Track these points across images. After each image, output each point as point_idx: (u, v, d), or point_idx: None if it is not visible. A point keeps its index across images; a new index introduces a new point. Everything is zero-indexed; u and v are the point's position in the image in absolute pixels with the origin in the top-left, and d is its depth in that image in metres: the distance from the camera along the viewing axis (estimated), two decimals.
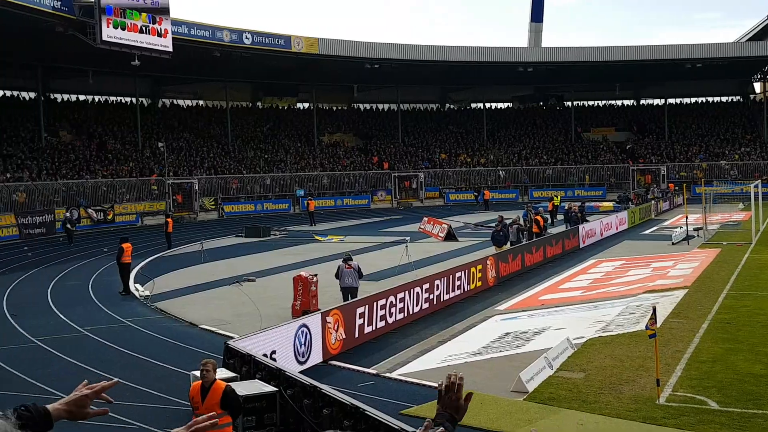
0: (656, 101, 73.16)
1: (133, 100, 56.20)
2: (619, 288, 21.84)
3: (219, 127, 60.11)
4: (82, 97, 57.19)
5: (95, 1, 39.16)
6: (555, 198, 45.07)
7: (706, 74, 62.38)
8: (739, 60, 60.19)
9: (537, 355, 13.59)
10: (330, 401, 9.41)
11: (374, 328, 16.35)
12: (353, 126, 67.99)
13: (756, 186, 35.30)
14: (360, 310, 15.99)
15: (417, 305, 18.26)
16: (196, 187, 49.44)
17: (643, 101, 74.52)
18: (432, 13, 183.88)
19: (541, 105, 73.60)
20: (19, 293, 23.04)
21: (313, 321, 14.39)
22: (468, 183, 61.21)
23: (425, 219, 36.58)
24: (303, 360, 13.82)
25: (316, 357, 14.23)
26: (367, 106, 71.51)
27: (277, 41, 50.87)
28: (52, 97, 54.84)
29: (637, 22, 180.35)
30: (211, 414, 2.74)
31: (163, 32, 42.78)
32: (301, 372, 12.00)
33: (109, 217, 43.82)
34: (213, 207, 50.72)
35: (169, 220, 33.88)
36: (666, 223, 39.96)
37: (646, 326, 11.95)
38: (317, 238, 35.62)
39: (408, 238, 27.23)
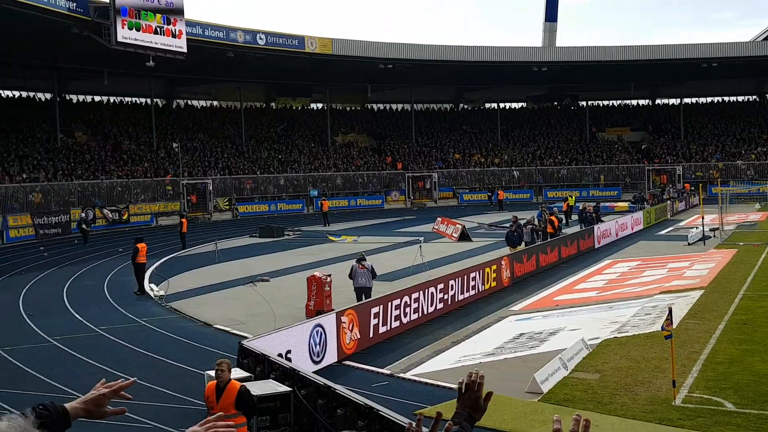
0: (672, 101, 72.72)
1: (148, 100, 56.45)
2: (634, 289, 21.72)
3: (233, 127, 60.29)
4: (97, 98, 57.50)
5: (110, 2, 39.37)
6: (570, 198, 44.90)
7: (723, 74, 61.91)
8: (755, 59, 59.69)
9: (552, 356, 13.53)
10: (344, 401, 9.40)
11: (389, 328, 16.34)
12: (367, 126, 67.99)
13: None
14: (374, 310, 15.99)
15: (431, 305, 18.23)
16: (211, 188, 49.60)
17: (658, 101, 74.09)
18: (446, 13, 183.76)
19: (556, 105, 73.31)
20: (35, 293, 23.20)
21: (328, 321, 14.41)
22: (482, 183, 61.06)
23: (439, 219, 36.50)
24: (318, 360, 13.84)
25: (330, 357, 14.24)
26: (381, 106, 71.48)
27: (291, 42, 50.94)
28: (67, 98, 55.18)
29: (652, 21, 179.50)
30: (219, 414, 2.74)
31: (177, 33, 42.94)
32: (315, 372, 12.00)
33: (124, 218, 44.04)
34: (227, 207, 50.86)
35: (184, 220, 34.01)
36: (682, 224, 39.72)
37: (662, 327, 11.87)
38: (331, 238, 35.64)
39: (422, 239, 27.19)
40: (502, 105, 71.13)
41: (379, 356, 14.98)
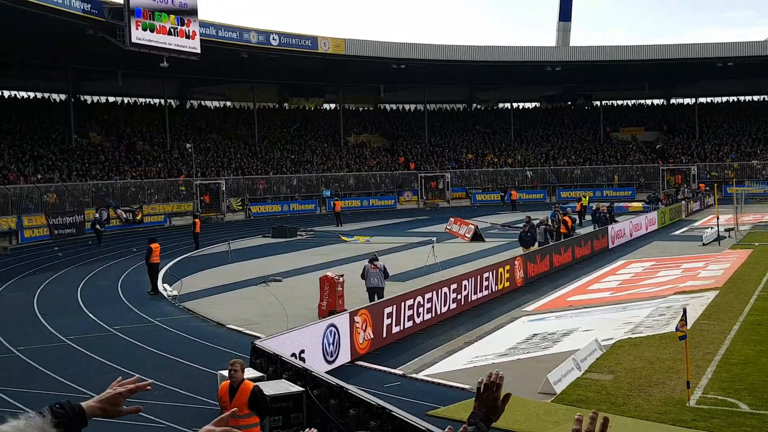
0: (687, 100, 72.29)
1: (162, 101, 56.71)
2: (648, 289, 21.60)
3: (246, 128, 60.45)
4: (111, 99, 57.82)
5: (124, 3, 39.58)
6: (583, 198, 44.72)
7: (738, 73, 61.48)
8: None
9: (565, 357, 13.47)
10: (356, 402, 9.38)
11: (402, 328, 16.34)
12: (380, 126, 68.00)
13: None
14: (388, 310, 16.00)
15: (444, 305, 18.21)
16: (224, 188, 49.75)
17: (673, 100, 73.68)
18: (459, 13, 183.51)
19: (570, 104, 73.03)
20: (50, 293, 23.33)
21: (342, 321, 14.43)
22: (495, 183, 60.91)
23: (452, 219, 36.45)
24: (331, 359, 13.87)
25: (344, 356, 14.27)
26: (394, 106, 71.48)
27: (304, 42, 51.04)
28: (82, 99, 55.50)
29: (666, 20, 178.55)
30: (233, 410, 2.73)
31: (191, 34, 43.11)
32: (327, 372, 12.00)
33: (138, 218, 44.23)
34: (240, 207, 50.98)
35: (197, 220, 34.11)
36: (696, 224, 39.47)
37: (677, 328, 11.80)
38: (343, 238, 35.66)
39: (434, 239, 27.14)
40: (515, 105, 70.94)
41: (392, 356, 14.98)
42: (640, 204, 47.71)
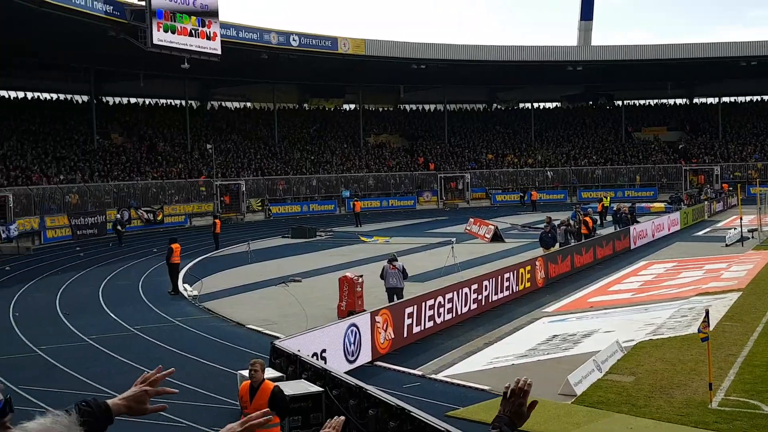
0: (710, 100, 71.62)
1: (183, 102, 57.03)
2: (670, 290, 21.42)
3: (266, 128, 60.66)
4: (133, 100, 58.23)
5: (146, 5, 39.85)
6: (605, 199, 44.40)
7: (762, 72, 60.72)
8: None
9: (585, 358, 13.38)
10: (376, 402, 9.37)
11: (422, 328, 16.34)
12: (399, 127, 67.98)
13: None
14: (409, 310, 16.01)
15: (465, 306, 18.18)
16: (244, 189, 49.97)
17: (696, 100, 72.99)
18: (480, 13, 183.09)
19: (591, 104, 72.57)
20: (72, 293, 23.53)
21: (363, 320, 14.46)
22: (515, 184, 60.67)
23: (471, 220, 36.35)
24: (352, 359, 13.91)
25: (365, 356, 14.30)
26: (414, 106, 71.42)
27: (324, 43, 51.13)
28: (104, 100, 55.94)
29: (689, 19, 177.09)
30: (265, 410, 2.72)
31: (212, 35, 43.33)
32: (347, 372, 12.00)
33: (159, 218, 44.52)
34: (260, 208, 51.16)
35: (217, 221, 34.27)
36: (719, 225, 39.11)
37: (699, 329, 11.68)
38: (363, 239, 35.67)
39: (454, 239, 27.08)
40: (536, 105, 70.63)
41: (411, 357, 14.95)
42: (662, 204, 47.34)
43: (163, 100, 59.43)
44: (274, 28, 48.74)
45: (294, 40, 49.24)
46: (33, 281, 25.92)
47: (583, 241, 28.39)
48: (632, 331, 16.24)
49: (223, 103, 63.32)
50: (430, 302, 16.74)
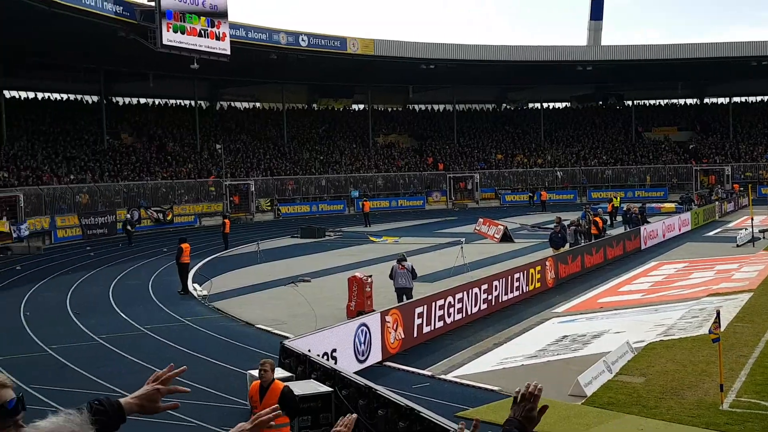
0: (720, 100, 71.31)
1: (192, 102, 57.18)
2: (681, 291, 21.32)
3: (275, 128, 60.75)
4: (142, 101, 58.40)
5: (156, 5, 39.96)
6: (615, 199, 44.27)
7: None
8: None
9: (595, 359, 13.33)
10: (385, 402, 9.35)
11: (432, 329, 16.33)
12: (408, 127, 67.96)
13: None
14: (419, 310, 16.01)
15: (475, 306, 18.15)
16: (253, 189, 50.04)
17: (706, 100, 72.67)
18: (489, 12, 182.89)
19: (601, 104, 72.36)
20: (82, 292, 23.61)
21: (373, 320, 14.48)
22: (525, 184, 60.56)
23: (481, 220, 36.28)
24: (363, 359, 13.93)
25: (375, 356, 14.31)
26: (423, 106, 71.38)
27: (333, 43, 51.16)
28: (113, 100, 56.12)
29: (699, 19, 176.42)
30: (273, 407, 2.71)
31: (221, 36, 43.43)
32: (357, 372, 12.00)
33: (168, 218, 44.64)
34: (269, 208, 51.23)
35: (227, 221, 34.33)
36: (730, 225, 38.92)
37: (710, 330, 11.63)
38: (372, 239, 35.66)
39: (463, 240, 27.05)
40: (545, 105, 70.49)
41: (420, 357, 14.94)
42: (672, 205, 47.17)
43: (172, 101, 59.60)
44: (283, 28, 48.85)
45: (303, 40, 49.29)
46: (44, 281, 26.02)
47: (593, 241, 28.30)
48: (643, 331, 16.18)
49: (232, 103, 63.44)
50: (440, 302, 16.73)
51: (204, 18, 42.56)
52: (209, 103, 61.42)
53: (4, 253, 33.52)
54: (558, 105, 73.37)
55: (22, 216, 36.33)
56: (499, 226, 34.49)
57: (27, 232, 35.44)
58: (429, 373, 13.76)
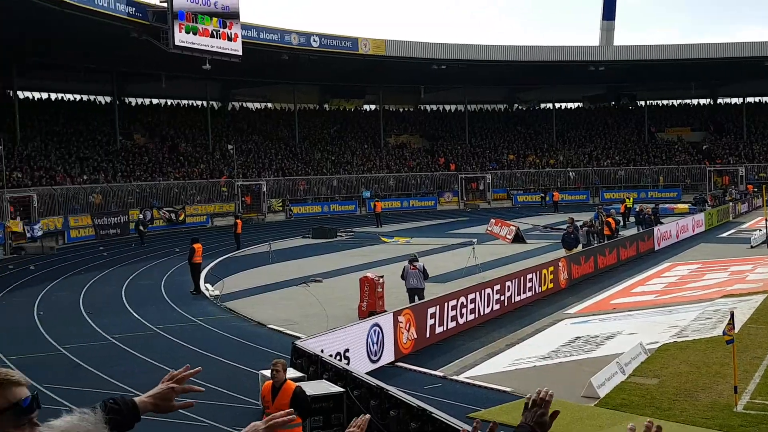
0: (734, 100, 70.85)
1: (204, 103, 57.35)
2: (695, 292, 21.20)
3: (287, 129, 60.84)
4: (155, 101, 58.61)
5: (168, 6, 40.10)
6: (627, 200, 44.09)
7: None
8: None
9: (608, 360, 13.27)
10: (397, 403, 9.34)
11: (445, 329, 16.31)
12: (420, 127, 67.92)
13: None
14: (431, 310, 16.00)
15: (488, 307, 18.12)
16: (265, 189, 50.13)
17: (720, 100, 72.24)
18: (501, 12, 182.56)
19: (613, 104, 72.08)
20: (95, 292, 23.71)
21: (386, 320, 14.48)
22: (537, 184, 60.40)
23: (492, 221, 36.21)
24: (376, 359, 13.94)
25: (388, 356, 14.32)
26: (434, 107, 71.32)
27: (345, 43, 51.18)
28: (126, 101, 56.36)
29: (713, 18, 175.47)
30: (288, 410, 2.70)
31: (233, 36, 43.53)
32: (370, 372, 11.99)
33: (180, 218, 44.78)
34: (281, 208, 51.32)
35: (239, 221, 34.40)
36: (744, 226, 38.70)
37: (724, 332, 11.55)
38: (383, 239, 35.65)
39: (475, 240, 26.98)
40: (557, 105, 70.29)
41: (432, 358, 14.92)
42: (686, 206, 46.93)
43: (184, 101, 59.79)
44: (294, 29, 48.91)
45: (314, 40, 49.34)
46: (57, 280, 26.14)
47: (605, 242, 28.18)
48: (656, 333, 16.09)
49: (244, 104, 63.59)
50: (452, 303, 16.70)
51: (216, 19, 42.68)
52: (221, 103, 61.59)
53: (18, 253, 33.72)
54: (570, 105, 73.16)
55: (35, 216, 36.54)
56: (511, 227, 34.40)
57: (40, 232, 35.63)
58: (441, 374, 13.73)
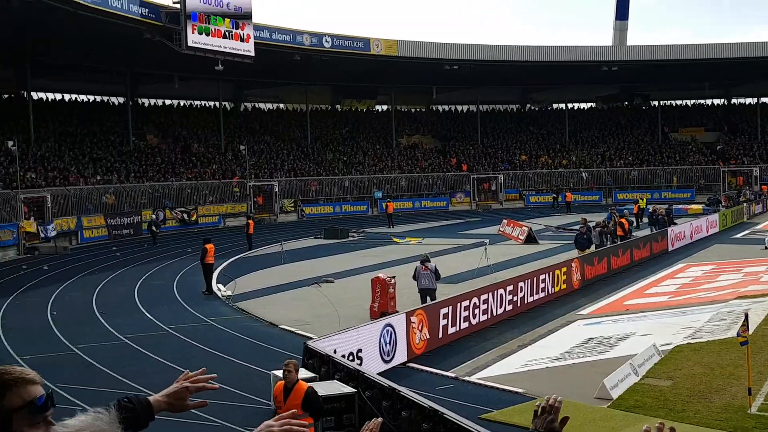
0: (748, 100, 70.37)
1: (217, 103, 57.50)
2: (708, 293, 21.07)
3: (299, 129, 60.92)
4: (167, 102, 58.81)
5: (181, 7, 40.24)
6: (641, 200, 43.89)
7: None
8: None
9: (622, 362, 13.21)
10: (409, 404, 9.33)
11: (458, 329, 16.30)
12: (432, 128, 67.85)
13: None
14: (444, 311, 15.98)
15: (500, 307, 18.08)
16: (276, 189, 50.22)
17: (734, 100, 71.80)
18: (513, 13, 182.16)
19: (626, 105, 71.75)
20: (108, 292, 23.81)
21: (398, 321, 14.49)
22: (549, 185, 60.22)
23: (505, 221, 36.13)
24: (388, 359, 13.94)
25: (400, 356, 14.32)
26: (446, 107, 71.23)
27: (356, 44, 51.20)
28: (139, 101, 56.58)
29: (727, 18, 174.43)
30: (292, 411, 2.69)
31: (245, 37, 43.62)
32: (381, 373, 11.98)
33: (193, 219, 44.92)
34: (292, 209, 51.39)
35: (251, 221, 34.45)
36: (759, 227, 38.46)
37: (738, 333, 11.47)
38: (395, 240, 35.64)
39: (487, 241, 26.93)
40: (569, 105, 70.05)
41: (445, 359, 14.89)
42: (699, 206, 46.69)
43: (197, 102, 59.98)
44: (306, 29, 48.97)
45: (327, 41, 49.38)
46: (70, 280, 26.29)
47: (618, 242, 28.06)
48: (670, 334, 16.00)
49: (256, 105, 63.73)
50: (465, 303, 16.68)
51: (228, 20, 42.79)
52: (233, 104, 61.76)
53: (32, 253, 33.93)
54: (583, 105, 72.87)
55: (49, 216, 36.75)
56: (524, 228, 34.31)
57: (54, 233, 35.83)
58: (453, 375, 13.70)
